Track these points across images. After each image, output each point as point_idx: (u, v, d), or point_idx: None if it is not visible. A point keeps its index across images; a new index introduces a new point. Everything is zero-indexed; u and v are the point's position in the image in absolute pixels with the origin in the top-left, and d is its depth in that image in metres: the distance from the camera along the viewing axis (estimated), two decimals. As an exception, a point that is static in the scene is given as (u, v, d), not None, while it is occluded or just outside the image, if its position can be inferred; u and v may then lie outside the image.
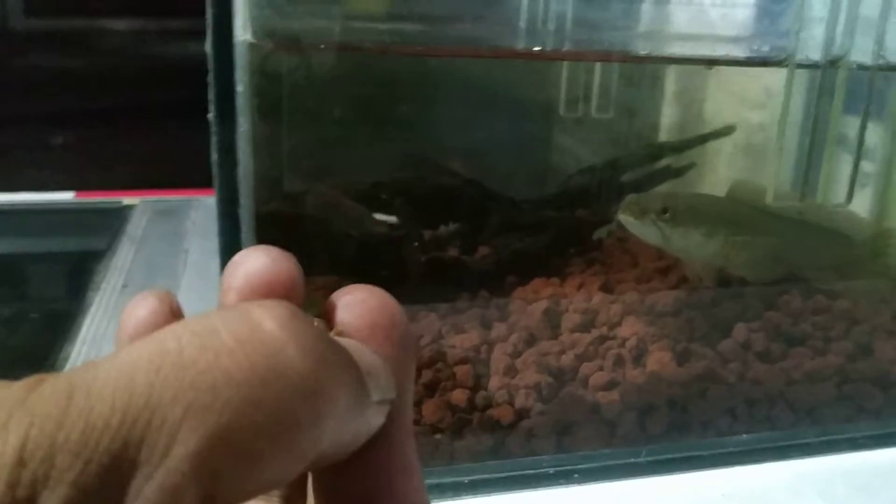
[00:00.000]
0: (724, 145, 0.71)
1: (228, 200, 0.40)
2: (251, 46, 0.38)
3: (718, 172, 0.73)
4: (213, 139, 0.40)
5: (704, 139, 0.74)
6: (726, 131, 0.73)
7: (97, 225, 0.97)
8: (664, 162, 0.74)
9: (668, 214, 0.52)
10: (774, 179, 0.47)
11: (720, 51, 0.48)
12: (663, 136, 0.79)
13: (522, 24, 0.47)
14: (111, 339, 0.65)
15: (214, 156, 0.40)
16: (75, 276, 0.81)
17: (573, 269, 0.68)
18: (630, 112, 0.75)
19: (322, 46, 0.41)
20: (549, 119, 0.75)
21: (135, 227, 0.93)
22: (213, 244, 0.91)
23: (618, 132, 0.75)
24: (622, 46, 0.48)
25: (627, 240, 0.73)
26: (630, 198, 0.54)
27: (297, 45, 0.41)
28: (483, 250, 0.68)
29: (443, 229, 0.70)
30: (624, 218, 0.53)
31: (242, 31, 0.38)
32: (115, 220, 0.96)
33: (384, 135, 0.64)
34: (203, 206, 1.01)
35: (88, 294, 0.75)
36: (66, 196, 1.03)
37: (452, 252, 0.68)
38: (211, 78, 0.39)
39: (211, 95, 0.39)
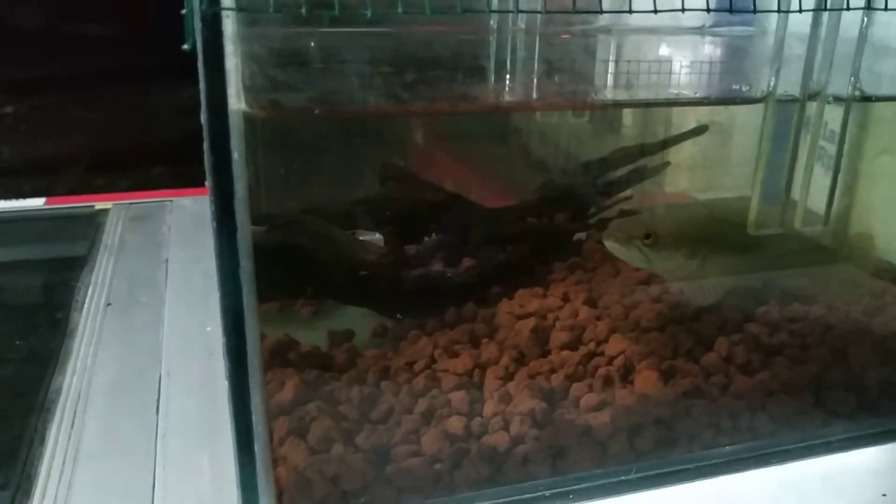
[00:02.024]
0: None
1: (230, 264, 0.41)
2: (246, 115, 0.38)
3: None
4: (211, 207, 0.40)
5: (678, 140, 0.75)
6: (699, 131, 0.74)
7: (71, 232, 0.96)
8: (640, 163, 0.76)
9: (650, 240, 0.54)
10: (756, 208, 0.49)
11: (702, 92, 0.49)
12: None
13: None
14: (102, 368, 0.66)
15: (213, 223, 0.40)
16: (56, 294, 0.81)
17: (556, 277, 0.70)
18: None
19: (316, 112, 0.41)
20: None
21: (110, 234, 0.93)
22: (192, 252, 0.92)
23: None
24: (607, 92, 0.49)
25: (606, 243, 0.74)
26: (614, 224, 0.56)
27: (290, 111, 0.41)
28: (467, 262, 0.69)
29: (427, 241, 0.71)
30: (609, 244, 0.55)
31: (236, 101, 0.38)
32: (88, 226, 0.95)
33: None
34: (178, 209, 1.00)
35: (72, 315, 0.75)
36: (36, 202, 1.01)
37: (437, 266, 0.69)
38: (206, 147, 0.39)
39: (207, 164, 0.39)
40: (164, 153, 1.16)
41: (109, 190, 1.06)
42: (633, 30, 0.71)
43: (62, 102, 1.19)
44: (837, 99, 0.47)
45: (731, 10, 0.39)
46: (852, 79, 0.46)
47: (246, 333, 0.42)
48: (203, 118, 0.38)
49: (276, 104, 0.41)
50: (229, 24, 0.37)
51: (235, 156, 0.39)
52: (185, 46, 0.37)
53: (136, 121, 1.20)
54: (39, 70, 1.14)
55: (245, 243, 0.40)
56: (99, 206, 1.00)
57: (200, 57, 0.37)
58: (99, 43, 1.13)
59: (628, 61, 0.68)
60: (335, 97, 0.42)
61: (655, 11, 0.38)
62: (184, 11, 0.37)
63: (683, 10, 0.38)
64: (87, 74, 1.16)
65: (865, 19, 0.45)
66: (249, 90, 0.38)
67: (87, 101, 1.19)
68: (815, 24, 0.45)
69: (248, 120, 0.40)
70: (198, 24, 0.36)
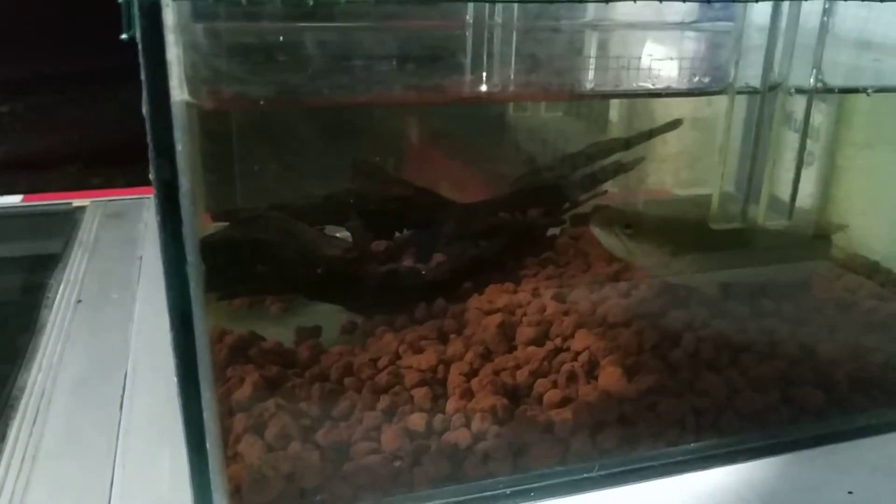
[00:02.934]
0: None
1: (175, 259, 0.40)
2: (188, 106, 0.38)
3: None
4: (155, 200, 0.39)
5: (651, 134, 0.75)
6: (673, 126, 0.73)
7: (47, 229, 0.95)
8: (613, 158, 0.75)
9: (630, 230, 0.54)
10: (717, 201, 0.48)
11: (662, 83, 0.48)
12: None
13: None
14: (68, 365, 0.65)
15: (158, 217, 0.39)
16: (28, 292, 0.80)
17: (527, 273, 0.69)
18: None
19: (261, 102, 0.40)
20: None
21: (86, 231, 0.92)
22: (167, 249, 0.90)
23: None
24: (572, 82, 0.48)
25: (580, 238, 0.74)
26: (602, 211, 0.56)
27: (235, 101, 0.41)
28: (438, 258, 0.69)
29: (397, 237, 0.70)
30: (594, 229, 0.56)
31: (179, 92, 0.37)
32: (65, 223, 0.95)
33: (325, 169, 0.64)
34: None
35: (42, 312, 0.74)
36: (13, 199, 1.00)
37: (408, 261, 0.68)
38: (149, 139, 0.38)
39: (150, 157, 0.38)
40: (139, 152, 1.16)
41: (103, 186, 1.06)
42: (615, 24, 0.71)
43: (46, 101, 1.18)
44: (800, 91, 0.47)
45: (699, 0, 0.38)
46: (814, 70, 0.46)
47: (195, 329, 0.42)
48: (144, 109, 0.38)
49: (222, 95, 0.40)
50: (170, 14, 0.36)
51: (179, 147, 0.38)
52: (124, 36, 0.37)
53: (124, 118, 1.20)
54: (26, 69, 1.14)
55: (191, 238, 0.40)
56: (76, 203, 1.00)
57: (140, 47, 0.36)
58: (86, 41, 1.12)
59: (602, 57, 0.68)
60: (283, 89, 0.41)
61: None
62: (121, 0, 0.36)
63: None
64: (74, 73, 1.16)
65: (827, 7, 0.44)
66: (191, 80, 0.37)
67: (75, 99, 1.19)
68: (776, 13, 0.44)
69: (200, 112, 0.39)
70: (136, 14, 0.36)
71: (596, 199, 0.77)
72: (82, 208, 0.99)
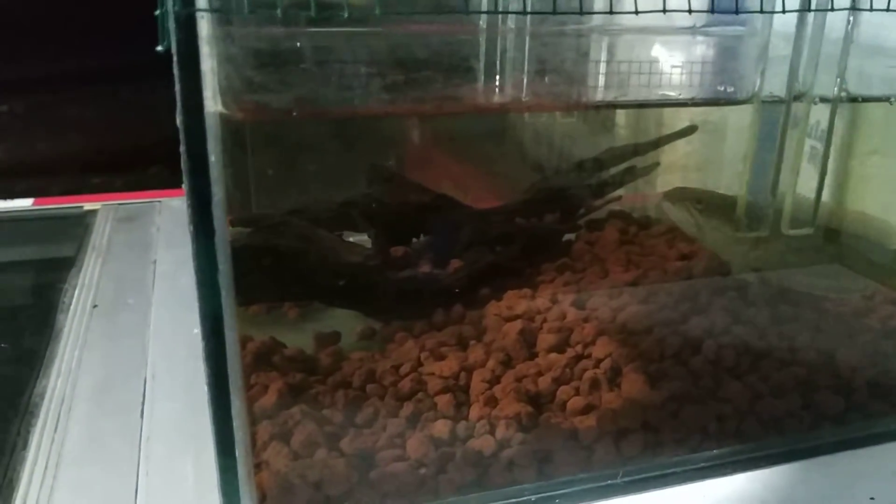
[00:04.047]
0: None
1: (207, 268, 0.40)
2: (222, 117, 0.38)
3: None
4: (188, 210, 0.39)
5: (668, 140, 0.75)
6: (688, 131, 0.74)
7: (59, 233, 0.95)
8: (629, 163, 0.75)
9: (701, 205, 0.56)
10: (743, 207, 0.49)
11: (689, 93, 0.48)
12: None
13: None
14: (87, 371, 0.65)
15: (190, 227, 0.39)
16: (43, 296, 0.80)
17: (544, 278, 0.69)
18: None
19: (294, 114, 0.41)
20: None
21: (98, 235, 0.92)
22: (180, 253, 0.92)
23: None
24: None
25: (595, 243, 0.74)
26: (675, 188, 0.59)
27: (267, 112, 0.41)
28: (455, 264, 0.69)
29: (415, 243, 0.71)
30: (664, 204, 0.57)
31: (213, 103, 0.38)
32: (77, 227, 0.95)
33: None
34: (167, 209, 1.00)
35: (58, 317, 0.74)
36: (24, 203, 1.00)
37: (425, 267, 0.68)
38: (183, 150, 0.38)
39: (184, 167, 0.39)
40: (159, 153, 1.15)
41: (104, 190, 1.06)
42: (625, 30, 0.71)
43: (54, 102, 1.18)
44: (824, 100, 0.47)
45: (712, 11, 0.38)
46: (838, 79, 0.46)
47: (225, 337, 0.42)
48: (179, 120, 0.38)
49: (254, 106, 0.40)
50: (205, 26, 0.36)
51: (212, 158, 0.38)
52: (160, 48, 0.37)
53: (132, 120, 1.20)
54: (33, 69, 1.14)
55: (223, 246, 0.40)
56: (88, 206, 1.00)
57: (175, 59, 0.36)
58: (93, 41, 1.12)
59: (619, 62, 0.68)
60: (314, 98, 0.41)
61: (637, 12, 0.38)
62: (157, 13, 0.36)
63: (665, 10, 0.37)
64: (80, 73, 1.16)
65: (851, 19, 0.44)
66: (226, 92, 0.37)
67: (80, 100, 1.19)
68: (801, 24, 0.44)
69: (227, 122, 0.39)
70: (172, 26, 0.36)
71: (610, 204, 0.77)
72: (94, 212, 0.99)
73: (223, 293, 0.41)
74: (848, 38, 0.44)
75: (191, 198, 0.39)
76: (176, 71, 0.37)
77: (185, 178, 0.39)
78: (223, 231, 0.40)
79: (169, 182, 1.05)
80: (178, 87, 0.37)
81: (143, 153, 1.14)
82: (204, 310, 0.41)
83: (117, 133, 1.19)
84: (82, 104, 1.18)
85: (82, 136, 1.20)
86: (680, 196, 0.63)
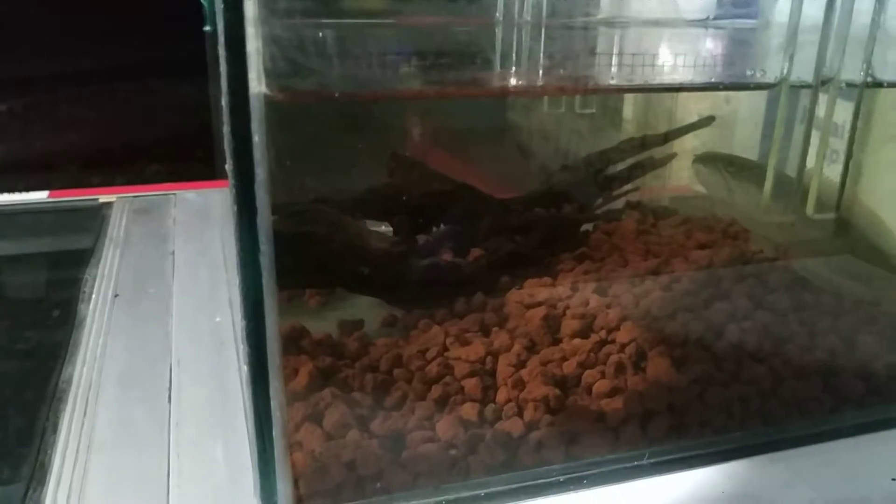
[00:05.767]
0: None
1: (250, 248, 0.41)
2: (266, 98, 0.39)
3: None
4: (232, 190, 0.40)
5: (685, 131, 0.76)
6: (705, 122, 0.74)
7: (75, 225, 0.96)
8: (647, 154, 0.76)
9: (733, 168, 0.56)
10: (770, 192, 0.49)
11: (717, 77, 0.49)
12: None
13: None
14: (112, 357, 0.66)
15: (234, 207, 0.40)
16: (63, 286, 0.81)
17: (564, 267, 0.70)
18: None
19: (336, 95, 0.41)
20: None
21: (115, 227, 0.93)
22: (198, 245, 0.92)
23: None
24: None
25: (614, 233, 0.75)
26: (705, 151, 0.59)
27: (311, 94, 0.42)
28: (475, 252, 0.69)
29: (435, 231, 0.71)
30: (695, 166, 0.57)
31: (257, 84, 0.38)
32: (93, 219, 0.95)
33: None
34: (182, 202, 1.00)
35: (80, 307, 0.75)
36: (39, 196, 1.01)
37: (446, 255, 0.69)
38: (227, 131, 0.39)
39: (228, 148, 0.39)
40: (160, 151, 1.16)
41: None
42: (642, 22, 0.72)
43: (59, 99, 1.18)
44: (850, 85, 0.48)
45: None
46: (864, 65, 0.47)
47: (266, 318, 0.42)
48: (223, 101, 0.38)
49: (297, 88, 0.41)
50: (251, 7, 0.37)
51: (256, 139, 0.39)
52: (206, 28, 0.37)
53: (134, 118, 1.20)
54: (36, 67, 1.14)
55: (265, 227, 0.41)
56: (103, 199, 1.00)
57: (221, 39, 0.37)
58: (95, 39, 1.13)
59: (633, 55, 0.69)
60: (356, 81, 0.42)
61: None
62: (205, -4, 0.37)
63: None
64: (84, 71, 1.16)
65: (877, 5, 0.45)
66: (270, 73, 0.38)
67: (85, 98, 1.19)
68: (829, 9, 0.45)
69: (272, 104, 0.40)
70: (219, 7, 0.37)
71: (629, 194, 0.78)
72: (109, 204, 0.99)
73: (265, 274, 0.41)
74: (875, 24, 0.45)
75: (235, 178, 0.40)
76: (222, 52, 0.38)
77: (228, 159, 0.40)
78: (265, 212, 0.41)
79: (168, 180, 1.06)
80: (223, 69, 0.38)
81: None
82: (246, 290, 0.42)
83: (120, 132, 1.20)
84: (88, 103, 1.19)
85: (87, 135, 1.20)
86: (712, 158, 0.63)
